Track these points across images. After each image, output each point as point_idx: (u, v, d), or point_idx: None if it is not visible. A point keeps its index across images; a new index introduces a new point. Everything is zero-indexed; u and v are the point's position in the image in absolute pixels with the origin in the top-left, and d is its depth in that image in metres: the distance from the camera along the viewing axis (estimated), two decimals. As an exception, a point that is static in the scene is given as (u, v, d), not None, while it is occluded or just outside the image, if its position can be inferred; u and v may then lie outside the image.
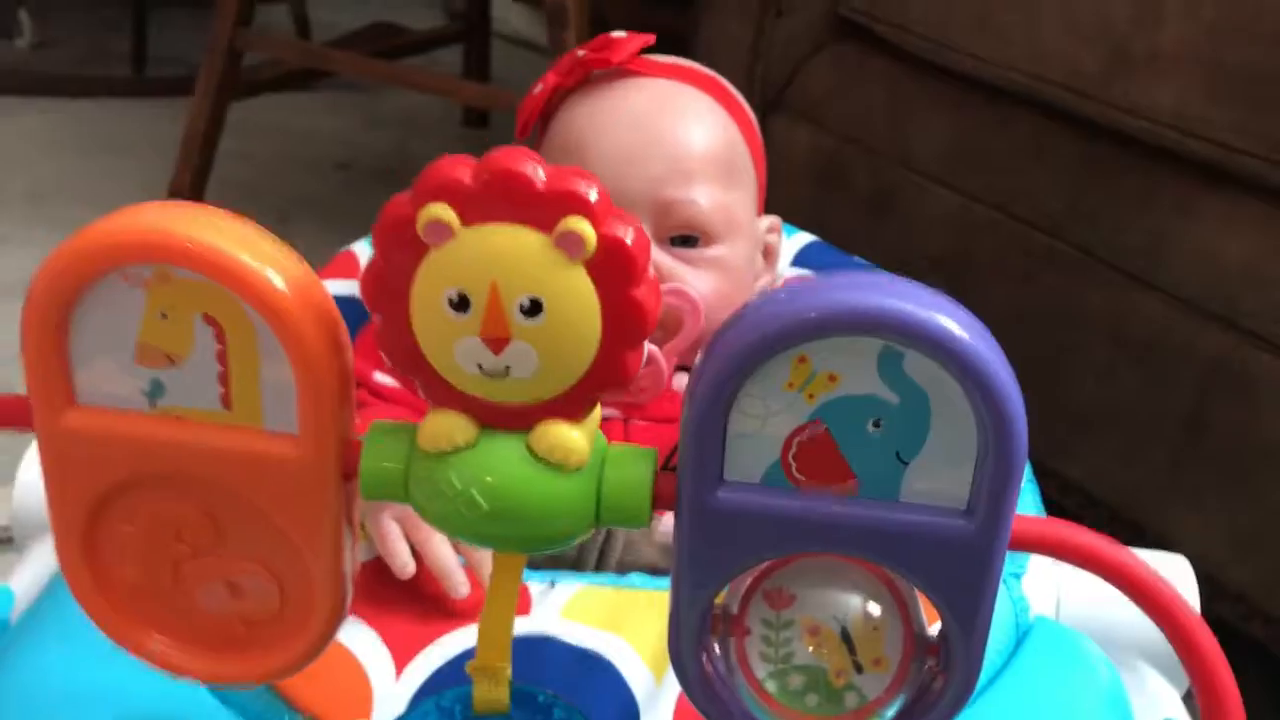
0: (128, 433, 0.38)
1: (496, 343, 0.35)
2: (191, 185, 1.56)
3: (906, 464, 0.36)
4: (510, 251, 0.34)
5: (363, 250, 0.75)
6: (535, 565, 0.57)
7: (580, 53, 0.63)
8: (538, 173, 0.34)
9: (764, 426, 0.36)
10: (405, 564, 0.51)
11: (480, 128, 1.95)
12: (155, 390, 0.37)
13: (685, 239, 0.61)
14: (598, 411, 0.38)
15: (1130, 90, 0.85)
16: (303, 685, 0.48)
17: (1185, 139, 0.84)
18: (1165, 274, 0.88)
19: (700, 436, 0.36)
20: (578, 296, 0.34)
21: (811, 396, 0.36)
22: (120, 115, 1.94)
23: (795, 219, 1.23)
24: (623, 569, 0.57)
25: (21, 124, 1.88)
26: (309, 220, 1.65)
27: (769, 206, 1.24)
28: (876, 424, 0.36)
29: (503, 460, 0.36)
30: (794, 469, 0.37)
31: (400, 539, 0.51)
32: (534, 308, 0.34)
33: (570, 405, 0.36)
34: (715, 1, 1.26)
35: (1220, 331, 0.85)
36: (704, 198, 0.61)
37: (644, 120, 0.61)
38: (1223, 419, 0.86)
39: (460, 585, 0.52)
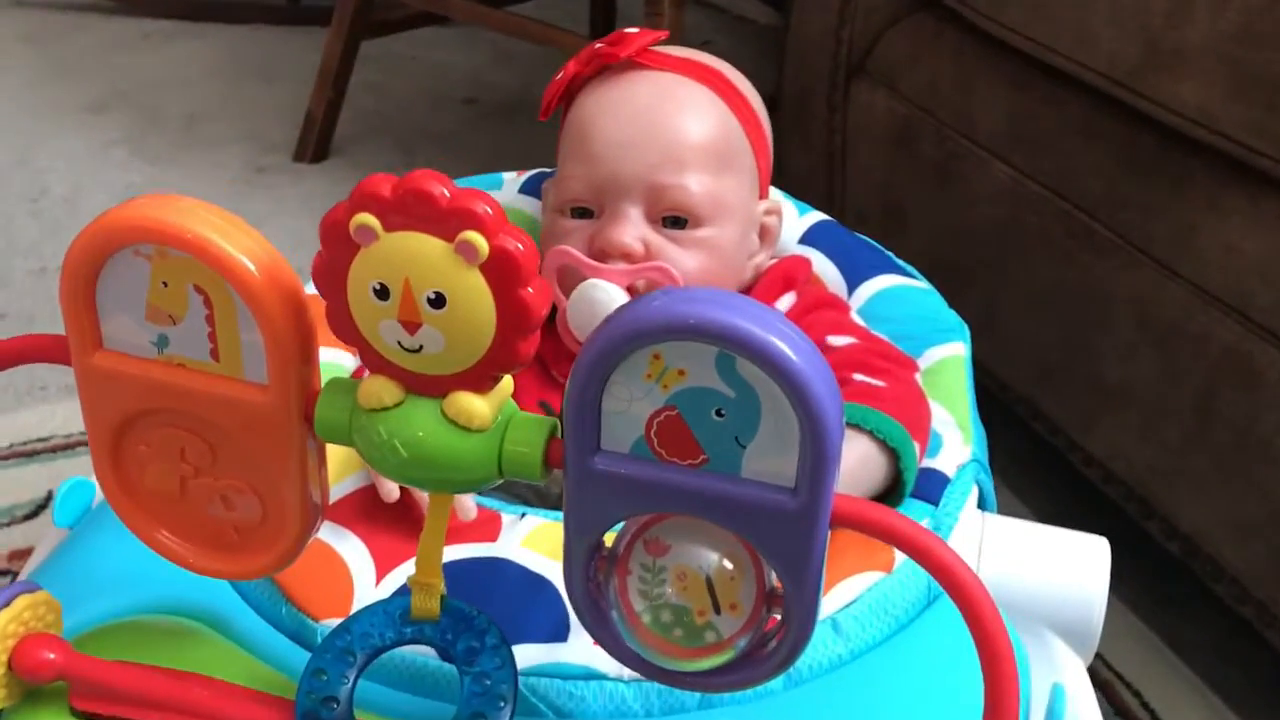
0: (140, 374, 0.47)
1: (410, 326, 0.43)
2: (325, 116, 1.69)
3: (744, 447, 0.43)
4: (419, 254, 0.42)
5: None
6: (523, 500, 0.66)
7: (597, 45, 0.70)
8: (443, 192, 0.42)
9: (629, 407, 0.44)
10: (389, 491, 0.60)
11: (604, 67, 2.03)
12: (161, 342, 0.47)
13: (675, 220, 0.68)
14: (507, 382, 0.46)
15: (1160, 83, 0.88)
16: (298, 581, 0.58)
17: (1211, 135, 0.86)
18: (1190, 264, 0.91)
19: (580, 411, 0.44)
20: (474, 293, 0.42)
21: (665, 387, 0.43)
22: (272, 42, 2.08)
23: (870, 178, 1.28)
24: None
25: (182, 49, 2.03)
26: (433, 153, 1.76)
27: (848, 167, 1.29)
28: (719, 413, 0.43)
29: (420, 419, 0.45)
30: (655, 444, 0.44)
31: (388, 470, 0.60)
32: (439, 300, 0.43)
33: (476, 379, 0.45)
34: (809, -35, 1.30)
35: (1234, 324, 0.87)
36: (694, 183, 0.67)
37: (643, 111, 0.68)
38: (1230, 409, 0.88)
39: (469, 510, 0.61)
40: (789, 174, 1.40)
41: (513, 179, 0.85)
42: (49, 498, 1.08)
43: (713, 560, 0.46)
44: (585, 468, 0.44)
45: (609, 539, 0.47)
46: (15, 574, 0.97)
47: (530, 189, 0.83)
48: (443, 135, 1.82)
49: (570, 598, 0.48)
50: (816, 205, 1.38)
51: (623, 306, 0.43)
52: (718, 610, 0.46)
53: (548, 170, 0.86)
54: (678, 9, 1.32)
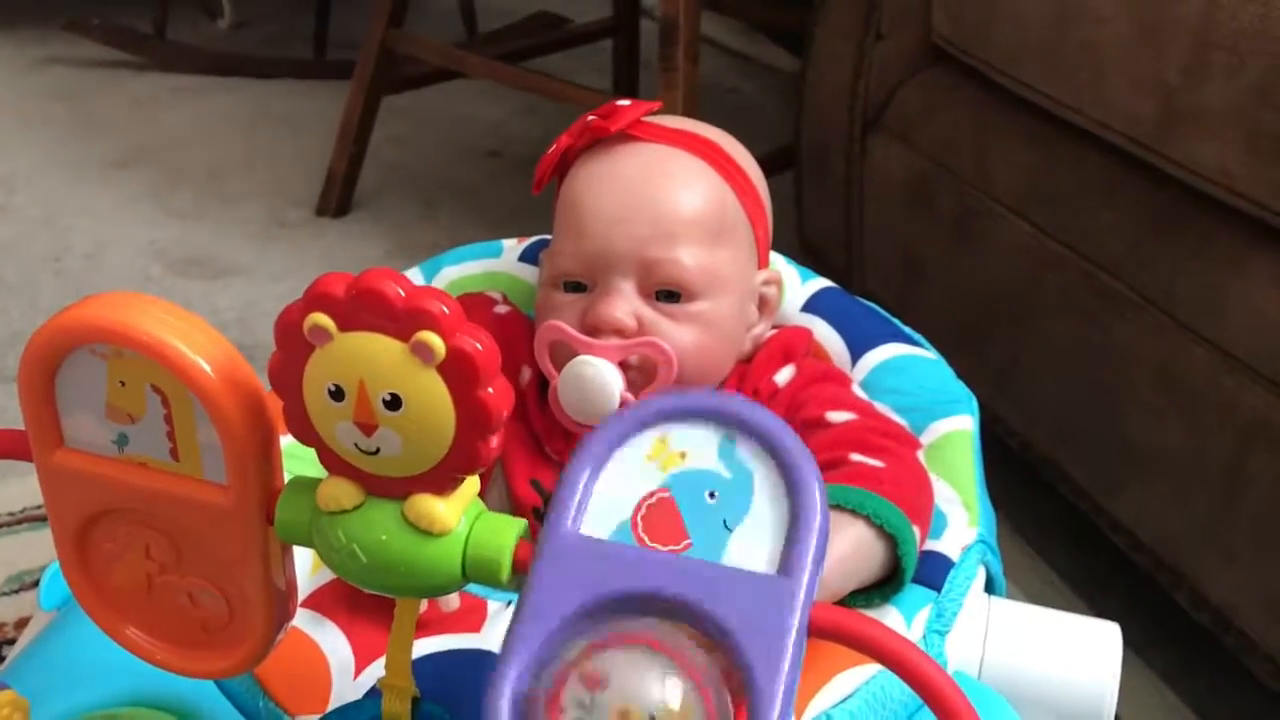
0: (102, 473, 0.46)
1: (366, 427, 0.42)
2: (347, 171, 1.69)
3: (730, 531, 0.42)
4: (375, 355, 0.41)
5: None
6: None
7: (590, 118, 0.69)
8: (398, 292, 0.40)
9: (623, 490, 0.43)
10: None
11: (628, 117, 2.02)
12: (122, 440, 0.46)
13: (669, 294, 0.66)
14: (472, 483, 0.44)
15: (1179, 143, 0.85)
16: (276, 674, 0.57)
17: (1232, 196, 0.83)
18: (1214, 326, 0.88)
19: (571, 489, 0.42)
20: (431, 395, 0.41)
21: (664, 469, 0.43)
22: (299, 96, 2.09)
23: (888, 233, 1.26)
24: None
25: (210, 104, 2.05)
26: (454, 206, 1.76)
27: (866, 222, 1.27)
28: (712, 495, 0.43)
29: (379, 524, 0.43)
30: (640, 528, 0.43)
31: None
32: (395, 401, 0.41)
33: (437, 481, 0.43)
34: (825, 19, 1.29)
35: (1262, 390, 0.84)
36: (687, 257, 0.66)
37: (633, 184, 0.66)
38: (1260, 477, 0.85)
39: (452, 600, 0.60)
40: (807, 228, 1.38)
41: (513, 246, 0.83)
42: (59, 563, 1.07)
43: (659, 696, 0.41)
44: (561, 544, 0.42)
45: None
46: (21, 643, 0.96)
47: (530, 257, 0.82)
48: (466, 188, 1.82)
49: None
50: (836, 258, 1.37)
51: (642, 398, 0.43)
52: None
53: (549, 238, 0.84)
54: (691, 63, 1.31)
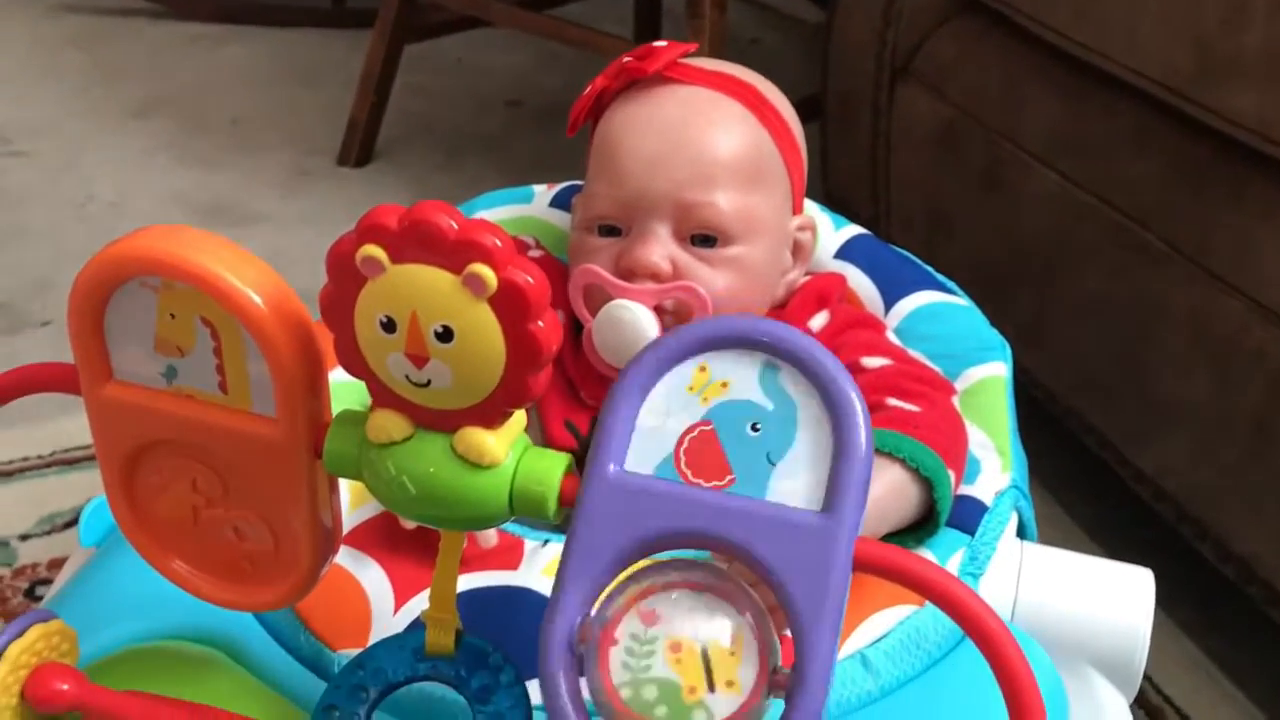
0: (150, 405, 0.47)
1: (417, 359, 0.42)
2: (368, 120, 1.68)
3: (774, 465, 0.42)
4: (427, 287, 0.41)
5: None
6: (539, 525, 0.64)
7: (626, 59, 0.69)
8: (450, 224, 0.40)
9: (665, 423, 0.43)
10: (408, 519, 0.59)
11: (649, 68, 2.00)
12: (170, 373, 0.46)
13: (705, 238, 0.66)
14: (520, 417, 0.45)
15: (1216, 92, 0.84)
16: (317, 609, 0.57)
17: (1270, 145, 0.83)
18: (1247, 277, 0.87)
19: (615, 425, 0.43)
20: (482, 327, 0.41)
21: (706, 400, 0.43)
22: (317, 45, 2.08)
23: (915, 182, 1.25)
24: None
25: (228, 52, 2.04)
26: (474, 156, 1.75)
27: (893, 171, 1.26)
28: (755, 427, 0.43)
29: (429, 455, 0.44)
30: (683, 463, 0.43)
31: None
32: (446, 334, 0.41)
33: (486, 414, 0.43)
34: (853, -34, 1.28)
35: (1293, 340, 0.84)
36: (723, 200, 0.65)
37: (671, 126, 0.66)
38: (1289, 428, 0.85)
39: (490, 538, 0.60)
40: (834, 177, 1.38)
41: (544, 192, 0.83)
42: (89, 506, 1.08)
43: (713, 631, 0.42)
44: (607, 483, 0.43)
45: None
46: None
47: (561, 202, 0.82)
48: (486, 138, 1.81)
49: (543, 659, 0.42)
50: (862, 209, 1.36)
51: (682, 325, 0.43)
52: (712, 688, 0.42)
53: (579, 183, 0.84)
54: (719, 11, 1.30)
